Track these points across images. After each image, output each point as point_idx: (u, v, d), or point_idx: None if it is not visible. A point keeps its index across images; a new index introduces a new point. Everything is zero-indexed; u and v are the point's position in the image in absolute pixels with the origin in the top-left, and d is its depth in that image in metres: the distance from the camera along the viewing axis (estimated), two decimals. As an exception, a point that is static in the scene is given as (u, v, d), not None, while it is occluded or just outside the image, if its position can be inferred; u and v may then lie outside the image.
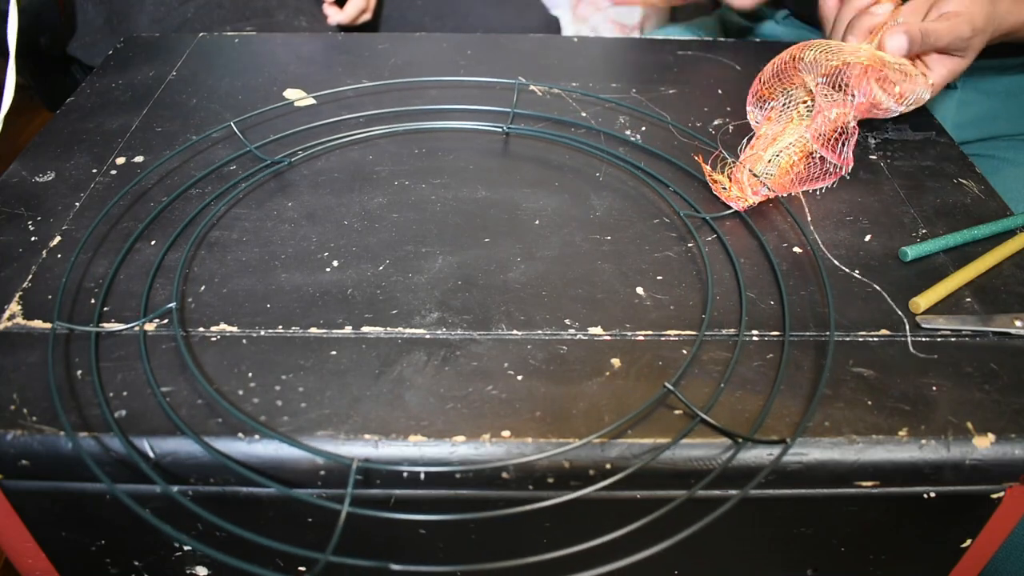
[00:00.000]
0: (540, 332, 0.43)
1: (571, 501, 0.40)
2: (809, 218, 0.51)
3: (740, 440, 0.37)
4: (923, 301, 0.44)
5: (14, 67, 0.63)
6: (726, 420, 0.38)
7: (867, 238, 0.50)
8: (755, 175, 0.51)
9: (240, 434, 0.37)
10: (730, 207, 0.51)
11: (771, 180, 0.51)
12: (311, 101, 0.64)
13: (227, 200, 0.52)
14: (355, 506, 0.34)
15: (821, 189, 0.54)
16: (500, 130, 0.60)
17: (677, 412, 0.39)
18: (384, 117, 0.61)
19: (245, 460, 0.37)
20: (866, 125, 0.61)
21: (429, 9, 1.06)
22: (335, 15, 0.99)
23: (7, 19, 0.67)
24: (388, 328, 0.43)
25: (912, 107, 0.54)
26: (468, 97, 0.64)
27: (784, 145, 0.52)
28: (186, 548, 0.43)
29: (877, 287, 0.46)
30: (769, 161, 0.52)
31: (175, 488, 0.39)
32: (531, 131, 0.59)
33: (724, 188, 0.52)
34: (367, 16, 1.02)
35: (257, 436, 0.37)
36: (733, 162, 0.53)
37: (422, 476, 0.37)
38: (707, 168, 0.53)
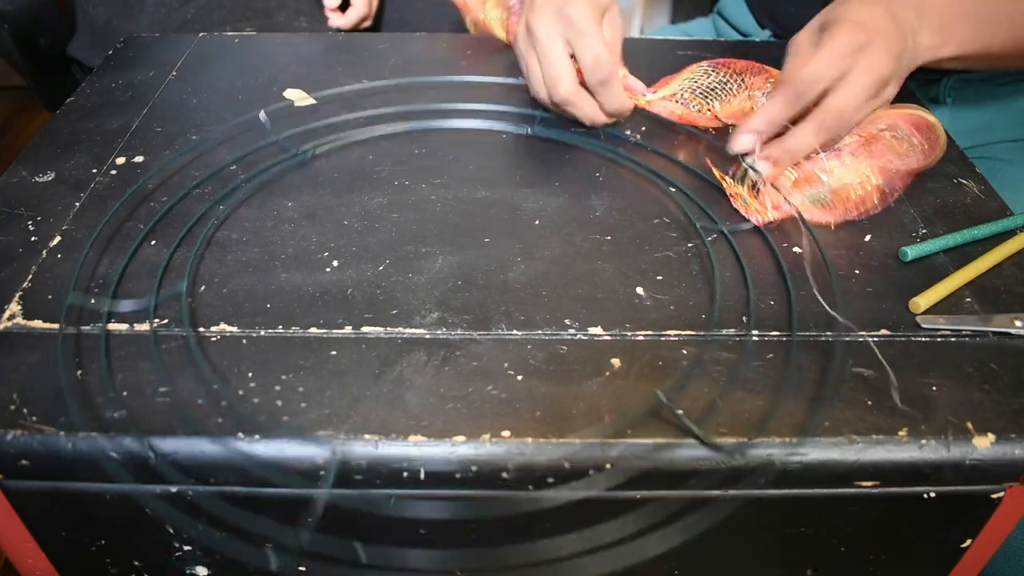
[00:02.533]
0: (540, 332, 0.43)
1: (570, 501, 0.40)
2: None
3: (731, 455, 0.37)
4: (923, 301, 0.44)
5: None
6: (727, 422, 0.38)
7: (867, 238, 0.50)
8: (776, 188, 0.51)
9: (240, 434, 0.37)
10: (747, 219, 0.51)
11: (820, 206, 0.51)
12: (311, 101, 0.64)
13: (248, 187, 0.52)
14: (348, 503, 0.34)
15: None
16: (526, 132, 0.59)
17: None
18: (392, 116, 0.61)
19: (245, 460, 0.37)
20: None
21: (428, 12, 1.06)
22: (336, 19, 0.99)
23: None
24: (388, 328, 0.43)
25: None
26: (482, 96, 0.64)
27: (851, 177, 0.51)
28: (186, 548, 0.43)
29: (877, 287, 0.46)
30: (831, 187, 0.51)
31: (174, 488, 0.39)
32: (557, 135, 0.59)
33: (744, 201, 0.51)
34: (368, 23, 1.02)
35: (257, 436, 0.37)
36: (757, 175, 0.52)
37: (422, 476, 0.37)
38: (728, 183, 0.52)
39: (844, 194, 0.50)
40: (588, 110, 0.58)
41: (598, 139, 0.59)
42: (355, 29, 1.00)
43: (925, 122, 0.53)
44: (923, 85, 0.77)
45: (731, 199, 0.52)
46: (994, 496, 0.41)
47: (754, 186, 0.52)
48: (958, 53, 0.56)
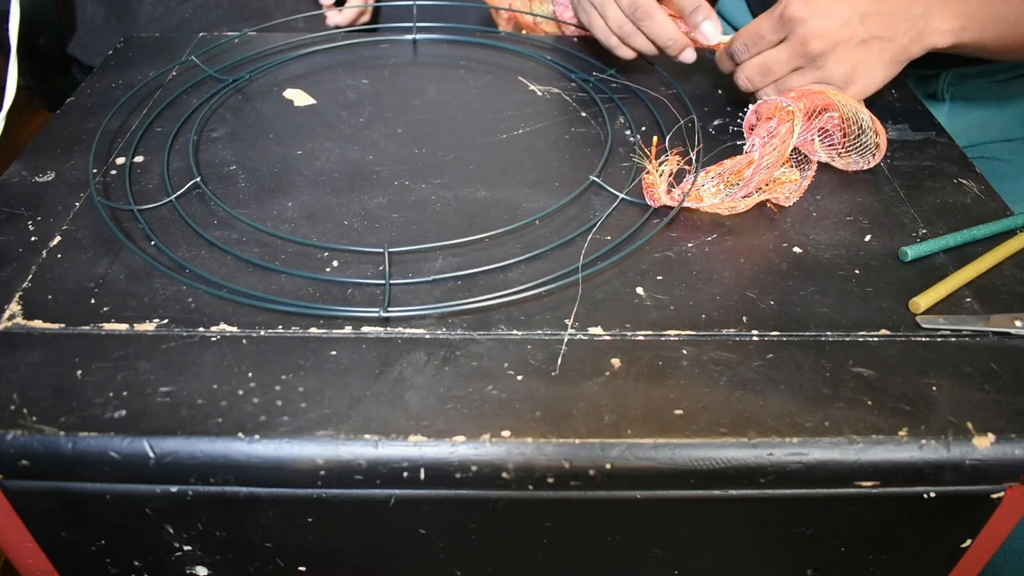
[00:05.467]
0: (540, 332, 0.43)
1: (570, 501, 0.40)
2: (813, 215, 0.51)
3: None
4: (923, 301, 0.44)
5: (15, 64, 0.63)
6: (727, 422, 0.38)
7: (867, 238, 0.50)
8: (672, 185, 0.51)
9: (240, 434, 0.37)
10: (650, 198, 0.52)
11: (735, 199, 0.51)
12: (311, 101, 0.64)
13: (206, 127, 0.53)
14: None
15: (821, 192, 0.54)
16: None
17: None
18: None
19: (245, 460, 0.37)
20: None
21: (428, 10, 1.06)
22: (334, 16, 0.99)
23: (7, 18, 0.67)
24: (388, 328, 0.43)
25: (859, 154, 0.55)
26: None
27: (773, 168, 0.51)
28: (186, 548, 0.43)
29: (877, 287, 0.46)
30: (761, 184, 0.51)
31: (174, 488, 0.39)
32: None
33: (653, 182, 0.51)
34: (365, 18, 1.02)
35: (257, 436, 0.37)
36: (696, 167, 0.53)
37: (422, 476, 0.37)
38: (651, 165, 0.52)
39: (762, 185, 0.51)
40: (649, 40, 0.63)
41: (601, 137, 0.59)
42: (353, 26, 1.00)
43: (884, 131, 0.54)
44: (921, 80, 0.77)
45: (643, 177, 0.53)
46: (994, 496, 0.41)
47: (672, 175, 0.52)
48: (979, 39, 0.56)
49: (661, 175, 0.51)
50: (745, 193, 0.50)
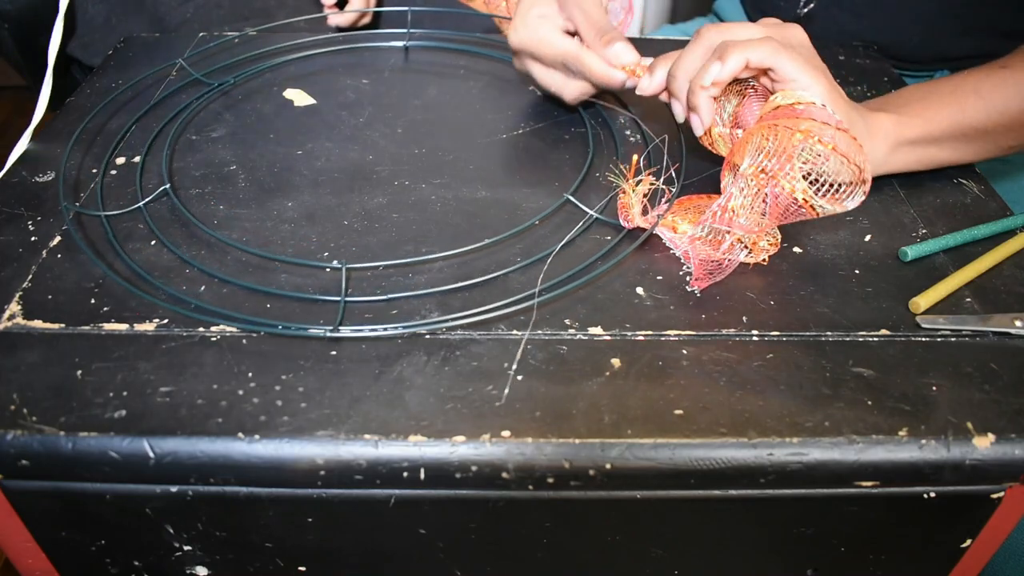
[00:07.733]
0: (540, 332, 0.43)
1: (570, 501, 0.40)
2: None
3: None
4: (923, 301, 0.44)
5: (51, 76, 0.64)
6: (727, 422, 0.38)
7: (867, 238, 0.50)
8: (647, 210, 0.49)
9: (240, 434, 0.37)
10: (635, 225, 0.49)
11: (707, 239, 0.47)
12: (311, 101, 0.64)
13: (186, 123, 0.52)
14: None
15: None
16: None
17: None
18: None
19: (245, 460, 0.37)
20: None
21: (427, 13, 1.06)
22: (335, 18, 0.99)
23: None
24: (388, 328, 0.43)
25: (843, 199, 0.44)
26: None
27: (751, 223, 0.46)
28: (186, 548, 0.43)
29: (877, 287, 0.46)
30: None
31: (174, 488, 0.39)
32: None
33: (628, 203, 0.49)
34: (366, 20, 1.02)
35: (257, 436, 0.37)
36: (668, 190, 0.50)
37: (422, 476, 0.37)
38: (627, 185, 0.49)
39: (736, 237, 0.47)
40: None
41: (599, 138, 0.59)
42: (354, 27, 1.00)
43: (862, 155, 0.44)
44: (920, 80, 0.77)
45: (619, 197, 0.50)
46: (994, 496, 0.41)
47: (646, 196, 0.49)
48: (928, 131, 0.52)
49: (636, 194, 0.49)
50: (721, 252, 0.47)
